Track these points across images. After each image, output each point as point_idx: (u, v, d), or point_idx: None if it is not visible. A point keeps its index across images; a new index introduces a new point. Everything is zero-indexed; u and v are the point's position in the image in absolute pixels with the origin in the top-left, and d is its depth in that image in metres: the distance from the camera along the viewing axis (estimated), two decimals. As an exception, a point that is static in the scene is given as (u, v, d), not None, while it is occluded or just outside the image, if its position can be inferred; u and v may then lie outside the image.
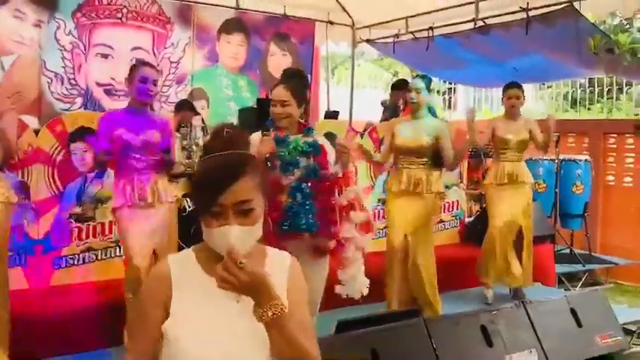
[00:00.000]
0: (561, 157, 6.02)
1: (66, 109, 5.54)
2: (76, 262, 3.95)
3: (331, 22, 7.09)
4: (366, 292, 3.12)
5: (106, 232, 4.02)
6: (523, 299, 3.95)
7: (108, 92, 5.86)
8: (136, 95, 3.20)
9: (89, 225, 3.99)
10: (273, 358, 1.29)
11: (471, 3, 5.60)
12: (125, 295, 3.19)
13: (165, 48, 6.19)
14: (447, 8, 5.88)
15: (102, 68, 5.82)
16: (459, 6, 5.75)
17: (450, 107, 10.82)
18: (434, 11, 6.00)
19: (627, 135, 6.69)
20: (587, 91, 8.47)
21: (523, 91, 4.48)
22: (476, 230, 5.17)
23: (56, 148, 3.88)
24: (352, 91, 7.64)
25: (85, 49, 5.75)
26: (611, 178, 6.91)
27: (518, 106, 4.45)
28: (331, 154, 2.96)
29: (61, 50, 5.61)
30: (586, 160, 6.29)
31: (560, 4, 4.81)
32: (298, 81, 3.02)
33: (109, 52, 5.85)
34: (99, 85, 5.84)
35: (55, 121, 4.00)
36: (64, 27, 5.61)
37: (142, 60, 3.53)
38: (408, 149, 3.86)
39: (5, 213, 2.85)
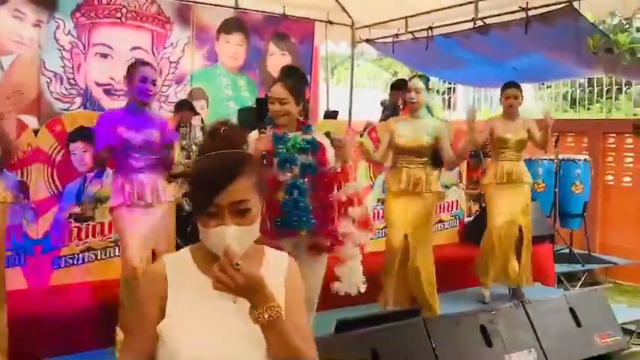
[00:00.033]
0: (560, 156, 6.02)
1: (65, 109, 5.54)
2: (75, 262, 3.94)
3: (330, 22, 7.10)
4: (363, 289, 3.12)
5: (106, 231, 4.01)
6: (522, 299, 3.96)
7: (107, 92, 5.86)
8: (136, 95, 3.20)
9: (88, 225, 3.99)
10: (270, 359, 1.29)
11: (471, 3, 5.60)
12: (120, 294, 3.18)
13: (165, 48, 6.19)
14: (446, 8, 5.88)
15: (101, 68, 5.82)
16: (459, 6, 5.76)
17: (449, 107, 10.82)
18: (433, 11, 6.00)
19: (626, 135, 6.69)
20: (587, 90, 8.47)
21: (521, 91, 4.48)
22: (475, 230, 5.17)
23: (55, 148, 3.88)
24: (352, 91, 7.64)
25: (84, 49, 5.75)
26: (610, 177, 6.92)
27: (516, 105, 4.45)
28: (330, 151, 2.97)
29: (60, 50, 5.62)
30: (585, 159, 6.29)
31: (560, 3, 4.81)
32: (296, 79, 3.02)
33: (109, 52, 5.85)
34: (98, 84, 5.84)
35: (54, 120, 4.00)
36: (63, 27, 5.61)
37: (140, 59, 3.52)
38: (408, 149, 3.86)
39: (1, 213, 2.84)
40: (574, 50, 4.90)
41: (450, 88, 10.72)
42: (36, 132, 3.90)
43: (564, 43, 5.02)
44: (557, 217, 5.91)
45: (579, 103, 8.63)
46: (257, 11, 6.72)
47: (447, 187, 5.67)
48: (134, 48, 5.95)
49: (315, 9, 6.94)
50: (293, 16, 6.88)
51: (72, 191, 3.93)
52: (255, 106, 5.60)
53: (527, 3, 5.03)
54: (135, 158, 3.17)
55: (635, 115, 8.11)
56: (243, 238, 1.29)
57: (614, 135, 6.92)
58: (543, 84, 8.74)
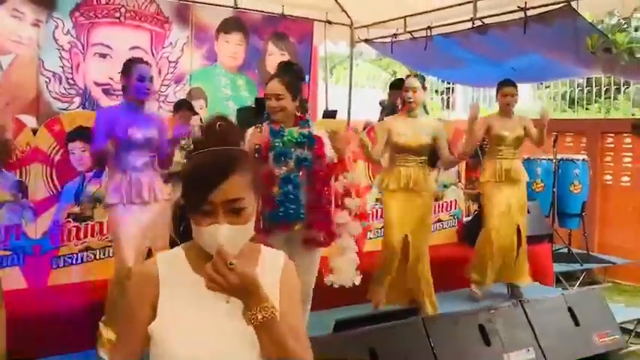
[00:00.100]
0: (559, 156, 6.03)
1: (64, 109, 5.54)
2: (74, 262, 3.94)
3: (329, 22, 7.10)
4: (358, 281, 3.13)
5: (105, 231, 4.01)
6: (521, 298, 3.96)
7: (106, 92, 5.86)
8: (134, 94, 3.20)
9: (87, 224, 3.99)
10: None
11: (469, 2, 5.61)
12: (109, 293, 3.18)
13: (164, 47, 6.19)
14: (445, 8, 5.88)
15: (100, 68, 5.82)
16: (457, 5, 5.76)
17: (448, 107, 10.82)
18: (432, 11, 6.00)
19: (625, 134, 6.70)
20: (585, 90, 8.49)
21: (517, 89, 4.48)
22: (474, 230, 5.17)
23: (54, 148, 3.88)
24: (350, 91, 7.65)
25: (83, 49, 5.75)
26: (608, 177, 6.92)
27: (512, 103, 4.44)
28: (328, 145, 2.98)
29: (59, 50, 5.61)
30: (584, 159, 6.29)
31: (558, 3, 4.81)
32: (293, 74, 3.04)
33: (108, 52, 5.85)
34: (97, 84, 5.84)
35: (53, 120, 4.00)
36: (62, 26, 5.61)
37: (136, 57, 3.51)
38: (408, 147, 3.86)
39: None
40: (572, 50, 4.90)
41: (449, 87, 10.73)
42: (35, 131, 3.90)
43: (563, 42, 5.02)
44: (555, 217, 5.91)
45: (578, 102, 8.64)
46: (256, 11, 6.72)
47: (445, 186, 5.69)
48: (133, 48, 5.95)
49: (314, 9, 6.94)
50: (292, 16, 6.88)
51: (71, 191, 3.93)
52: (254, 105, 5.60)
53: (525, 3, 5.03)
54: (134, 156, 3.17)
55: (633, 114, 8.12)
56: (238, 237, 1.26)
57: (613, 135, 6.93)
58: (542, 84, 8.75)
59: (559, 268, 5.53)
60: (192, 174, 1.28)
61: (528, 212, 5.03)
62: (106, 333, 3.18)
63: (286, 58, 6.91)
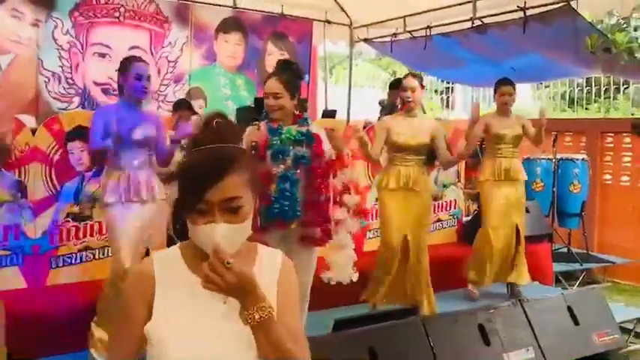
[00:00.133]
0: (559, 156, 6.03)
1: (63, 109, 5.53)
2: (73, 262, 3.94)
3: (329, 22, 7.10)
4: (355, 278, 3.13)
5: (104, 231, 4.00)
6: (520, 298, 3.96)
7: (105, 91, 5.85)
8: (131, 93, 3.19)
9: (86, 224, 3.99)
10: None
11: (469, 2, 5.61)
12: (104, 293, 3.16)
13: (163, 47, 6.19)
14: (444, 7, 5.88)
15: (99, 67, 5.82)
16: (457, 5, 5.76)
17: (447, 106, 10.83)
18: (431, 10, 6.00)
19: (624, 134, 6.70)
20: (585, 90, 8.49)
21: (515, 88, 4.47)
22: (473, 229, 5.17)
23: (53, 147, 3.87)
24: (350, 91, 7.65)
25: (82, 49, 5.74)
26: (608, 177, 6.92)
27: (510, 103, 4.44)
28: (326, 143, 2.98)
29: (58, 49, 5.61)
30: (583, 159, 6.30)
31: (558, 3, 4.81)
32: (291, 73, 3.04)
33: (107, 52, 5.84)
34: (96, 84, 5.84)
35: (52, 120, 4.00)
36: (61, 26, 5.60)
37: (133, 56, 3.50)
38: (407, 147, 3.85)
39: None
40: (572, 50, 4.90)
41: (449, 87, 10.74)
42: (34, 131, 3.89)
43: (562, 42, 5.02)
44: (555, 217, 5.91)
45: (577, 102, 8.64)
46: (255, 10, 6.71)
47: (445, 186, 5.68)
48: (132, 47, 5.94)
49: (313, 8, 6.94)
50: (291, 16, 6.88)
51: (70, 190, 3.92)
52: (253, 105, 5.59)
53: (525, 2, 5.03)
54: (132, 154, 3.16)
55: (633, 114, 8.12)
56: (235, 236, 1.23)
57: (612, 134, 6.93)
58: (541, 83, 8.75)
59: (559, 267, 5.53)
60: (188, 172, 1.25)
61: (528, 212, 5.03)
62: (98, 333, 3.15)
63: (285, 57, 6.92)
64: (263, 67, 6.82)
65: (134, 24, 5.99)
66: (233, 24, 6.63)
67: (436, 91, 11.22)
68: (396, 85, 5.55)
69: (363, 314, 3.45)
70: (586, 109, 8.60)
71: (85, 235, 3.98)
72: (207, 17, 6.45)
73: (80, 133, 3.90)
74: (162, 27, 6.17)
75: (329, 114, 6.63)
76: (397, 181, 3.85)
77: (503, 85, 4.44)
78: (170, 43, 6.22)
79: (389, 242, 3.89)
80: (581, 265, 5.70)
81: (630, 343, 4.26)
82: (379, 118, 5.76)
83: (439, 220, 5.65)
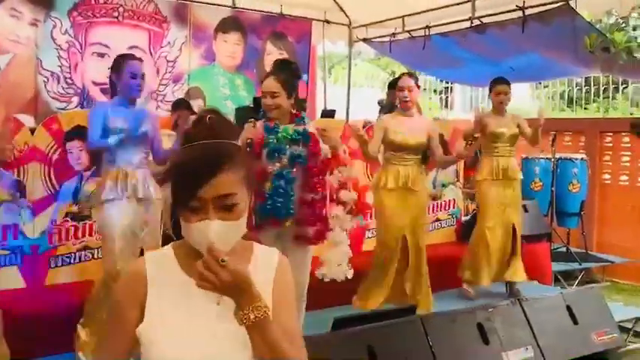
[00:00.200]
0: (558, 155, 6.04)
1: (62, 108, 5.53)
2: (72, 261, 3.94)
3: (328, 22, 7.09)
4: (350, 275, 3.13)
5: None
6: (519, 297, 3.96)
7: (104, 91, 5.83)
8: (126, 91, 3.19)
9: (85, 223, 3.98)
10: None
11: (468, 2, 5.61)
12: (94, 294, 3.14)
13: (162, 47, 6.19)
14: (443, 7, 5.88)
15: (98, 67, 5.80)
16: (456, 5, 5.76)
17: (446, 106, 10.83)
18: (430, 10, 6.00)
19: (623, 134, 6.71)
20: (584, 90, 8.50)
21: (510, 87, 4.47)
22: (472, 229, 5.18)
23: (52, 147, 3.87)
24: (349, 91, 7.65)
25: (81, 48, 5.74)
26: (607, 176, 6.93)
27: (506, 102, 4.43)
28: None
29: (57, 49, 5.60)
30: (582, 158, 6.30)
31: (557, 2, 4.82)
32: (289, 72, 3.04)
33: (106, 51, 5.83)
34: (95, 84, 5.83)
35: (51, 119, 3.99)
36: (60, 26, 5.60)
37: (127, 53, 3.49)
38: (405, 146, 3.85)
39: None
40: (571, 49, 4.90)
41: (448, 87, 10.74)
42: (32, 131, 3.89)
43: (561, 42, 5.03)
44: (554, 216, 5.92)
45: (576, 102, 8.65)
46: (254, 10, 6.71)
47: (444, 185, 5.69)
48: (131, 47, 5.93)
49: (312, 8, 6.93)
50: (290, 16, 6.88)
51: (69, 190, 3.92)
52: (252, 105, 5.59)
53: (523, 2, 5.03)
54: (128, 152, 3.15)
55: (632, 114, 8.13)
56: (229, 233, 1.20)
57: (611, 134, 6.94)
58: (540, 83, 8.76)
59: (557, 267, 5.54)
60: (180, 169, 1.22)
61: (527, 211, 5.04)
62: (84, 335, 3.13)
63: (284, 57, 6.92)
64: (262, 66, 6.81)
65: (133, 24, 5.99)
66: (232, 24, 6.63)
67: (435, 90, 11.22)
68: (394, 85, 5.55)
69: (362, 313, 3.45)
70: (585, 108, 8.60)
71: (83, 235, 3.97)
72: (206, 17, 6.45)
73: (79, 132, 3.90)
74: (161, 27, 6.17)
75: (328, 114, 6.63)
76: (396, 181, 3.84)
77: (499, 84, 4.44)
78: (169, 42, 6.22)
79: (388, 242, 3.89)
80: (580, 264, 5.71)
81: (629, 342, 4.26)
82: (378, 118, 5.77)
83: (438, 220, 5.65)
